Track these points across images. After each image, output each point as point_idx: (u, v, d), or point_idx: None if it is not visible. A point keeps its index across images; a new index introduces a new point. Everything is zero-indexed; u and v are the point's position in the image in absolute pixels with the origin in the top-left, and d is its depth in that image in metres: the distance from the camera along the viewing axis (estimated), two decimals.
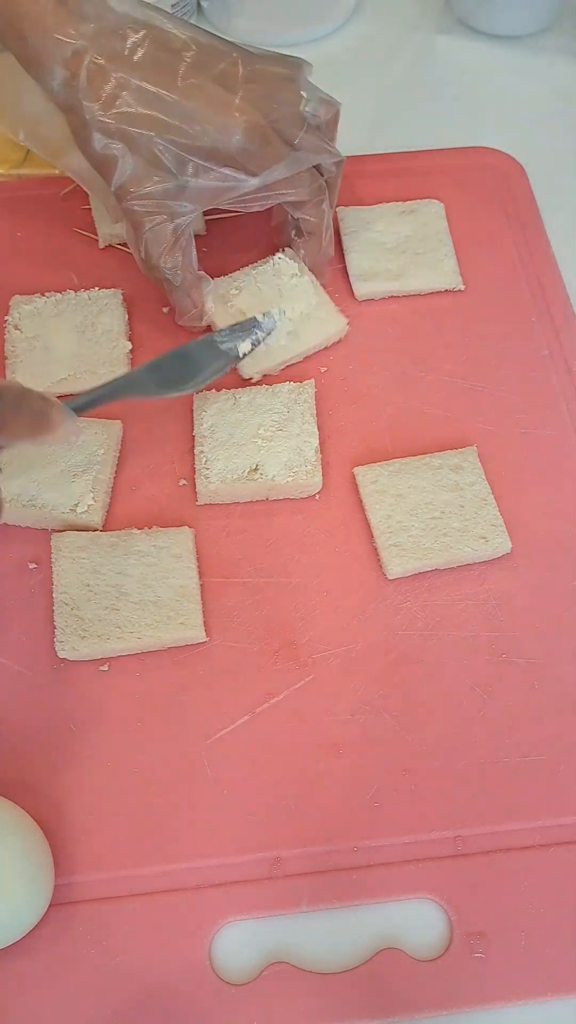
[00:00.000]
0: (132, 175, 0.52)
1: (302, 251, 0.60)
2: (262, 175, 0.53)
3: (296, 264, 0.60)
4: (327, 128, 0.56)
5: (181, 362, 0.55)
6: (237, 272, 0.61)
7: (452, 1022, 0.42)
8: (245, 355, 0.56)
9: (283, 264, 0.60)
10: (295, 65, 0.55)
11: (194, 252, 0.56)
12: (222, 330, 0.56)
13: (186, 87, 0.51)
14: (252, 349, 0.57)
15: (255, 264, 0.61)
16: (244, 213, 0.57)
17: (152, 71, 0.51)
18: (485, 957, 0.43)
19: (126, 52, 0.50)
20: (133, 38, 0.51)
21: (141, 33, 0.51)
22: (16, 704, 0.49)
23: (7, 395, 0.43)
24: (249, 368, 0.58)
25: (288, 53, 0.56)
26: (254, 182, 0.53)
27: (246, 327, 0.57)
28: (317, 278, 0.61)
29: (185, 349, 0.55)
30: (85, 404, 0.50)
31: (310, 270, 0.60)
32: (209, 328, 0.59)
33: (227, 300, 0.59)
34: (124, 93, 0.50)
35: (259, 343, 0.57)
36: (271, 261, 0.60)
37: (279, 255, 0.60)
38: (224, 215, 0.62)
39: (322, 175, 0.57)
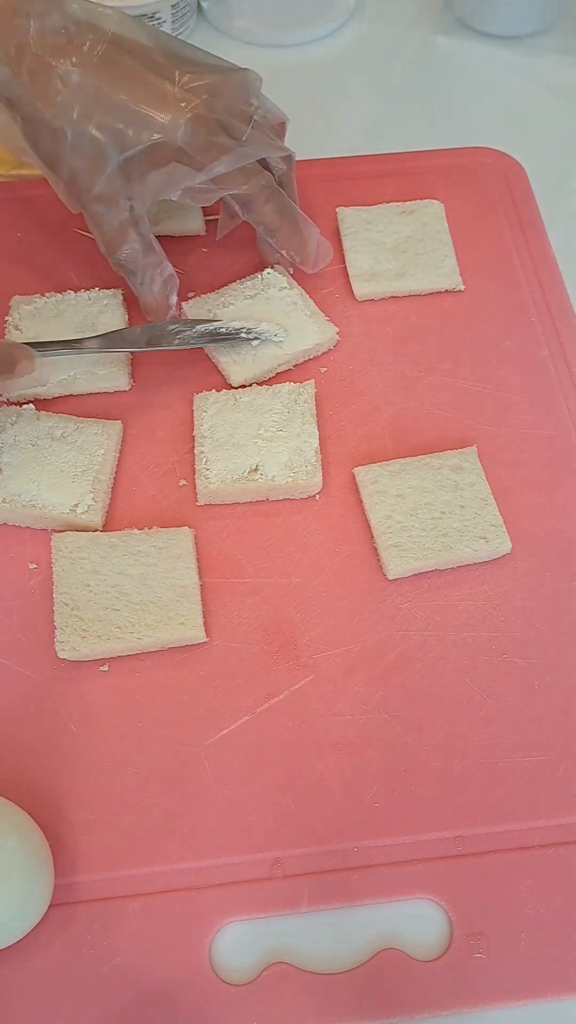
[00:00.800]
0: (80, 170, 0.52)
1: (281, 252, 0.60)
2: (205, 169, 0.53)
3: (285, 277, 0.61)
4: (274, 132, 0.57)
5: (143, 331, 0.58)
6: (224, 288, 0.61)
7: (452, 1022, 0.42)
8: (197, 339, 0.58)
9: (272, 277, 0.61)
10: (244, 72, 0.55)
11: (156, 243, 0.56)
12: (202, 329, 0.58)
13: (131, 82, 0.51)
14: (201, 339, 0.58)
15: (243, 279, 0.61)
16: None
17: (97, 68, 0.51)
18: (485, 957, 0.43)
19: (72, 50, 0.51)
20: (83, 38, 0.51)
21: (92, 35, 0.51)
22: (16, 704, 0.49)
23: None
24: (237, 376, 0.58)
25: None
26: (199, 176, 0.53)
27: (225, 336, 0.58)
28: (307, 268, 0.61)
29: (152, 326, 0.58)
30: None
31: (301, 264, 0.60)
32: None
33: (211, 314, 0.60)
34: (65, 89, 0.50)
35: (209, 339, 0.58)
36: (260, 276, 0.61)
37: (268, 269, 0.61)
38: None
39: (273, 174, 0.57)
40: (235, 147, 0.53)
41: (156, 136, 0.51)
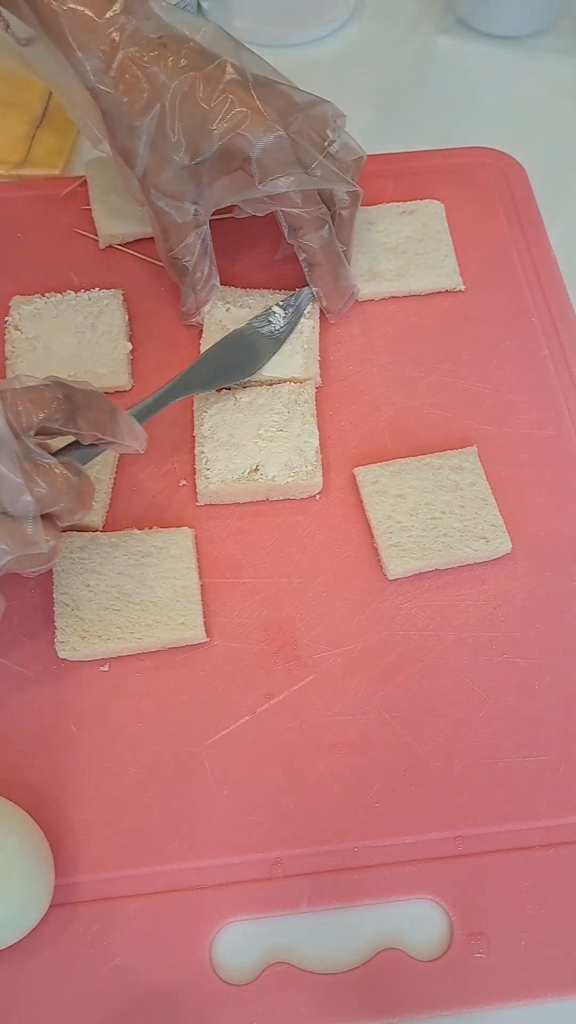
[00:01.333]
0: (152, 168, 0.53)
1: (315, 287, 0.59)
2: (268, 184, 0.53)
3: (313, 307, 0.60)
4: (347, 168, 0.56)
5: (231, 351, 0.57)
6: (253, 290, 0.61)
7: (452, 1022, 0.42)
8: (283, 329, 0.58)
9: (303, 297, 0.60)
10: (326, 104, 0.55)
11: (211, 250, 0.57)
12: (251, 321, 0.58)
13: (214, 91, 0.52)
14: (289, 326, 0.58)
15: (276, 290, 0.61)
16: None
17: (183, 74, 0.52)
18: (485, 957, 0.43)
19: (164, 54, 0.52)
20: (175, 45, 0.52)
21: (183, 44, 0.52)
22: (16, 704, 0.49)
23: (77, 392, 0.44)
24: None
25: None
26: (260, 189, 0.54)
27: (269, 312, 0.58)
28: (330, 316, 0.61)
29: (234, 337, 0.58)
30: (145, 410, 0.52)
31: (325, 308, 0.60)
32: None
33: (227, 307, 0.59)
34: (151, 88, 0.52)
35: (295, 318, 0.59)
36: (297, 291, 0.60)
37: (306, 290, 0.60)
38: (227, 216, 0.62)
39: (333, 206, 0.57)
40: (300, 171, 0.53)
41: (229, 141, 0.52)
